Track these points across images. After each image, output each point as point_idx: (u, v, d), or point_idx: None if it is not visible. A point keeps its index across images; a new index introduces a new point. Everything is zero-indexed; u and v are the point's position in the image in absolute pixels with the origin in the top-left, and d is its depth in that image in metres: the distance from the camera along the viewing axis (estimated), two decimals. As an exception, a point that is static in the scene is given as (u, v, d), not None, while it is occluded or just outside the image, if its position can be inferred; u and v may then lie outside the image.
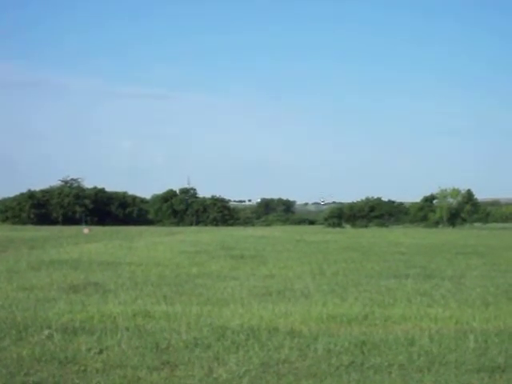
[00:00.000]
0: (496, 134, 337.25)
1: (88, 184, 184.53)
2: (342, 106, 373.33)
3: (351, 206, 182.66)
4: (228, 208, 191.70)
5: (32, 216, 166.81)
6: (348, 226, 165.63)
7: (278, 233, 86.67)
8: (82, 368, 11.48)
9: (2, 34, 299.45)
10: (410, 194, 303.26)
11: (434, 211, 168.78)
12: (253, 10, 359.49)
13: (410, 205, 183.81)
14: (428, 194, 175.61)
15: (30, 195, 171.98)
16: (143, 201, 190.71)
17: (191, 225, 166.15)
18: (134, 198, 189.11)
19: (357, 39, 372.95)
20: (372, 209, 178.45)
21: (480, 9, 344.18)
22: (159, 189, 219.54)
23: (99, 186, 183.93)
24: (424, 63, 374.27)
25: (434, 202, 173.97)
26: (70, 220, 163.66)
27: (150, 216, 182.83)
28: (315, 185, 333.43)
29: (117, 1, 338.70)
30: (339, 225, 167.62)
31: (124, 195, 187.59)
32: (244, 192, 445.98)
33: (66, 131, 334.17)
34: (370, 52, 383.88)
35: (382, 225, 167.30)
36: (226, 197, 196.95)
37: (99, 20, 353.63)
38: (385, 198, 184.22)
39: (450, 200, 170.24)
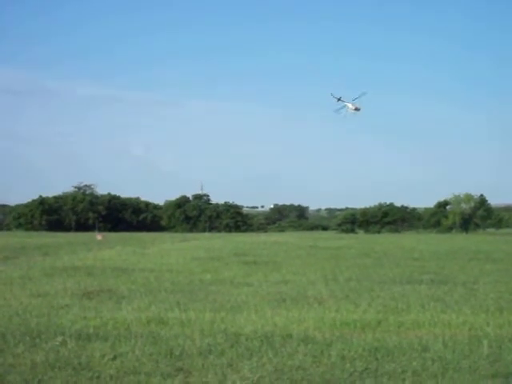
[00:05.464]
0: (510, 139, 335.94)
1: (101, 190, 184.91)
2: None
3: (364, 211, 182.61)
4: (241, 214, 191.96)
5: (43, 222, 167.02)
6: (361, 232, 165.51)
7: (291, 239, 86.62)
8: (96, 374, 11.52)
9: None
10: (423, 200, 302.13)
11: (446, 217, 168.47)
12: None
13: (423, 210, 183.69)
14: (441, 199, 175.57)
15: (41, 201, 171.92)
16: (156, 207, 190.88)
17: (204, 231, 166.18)
18: (147, 204, 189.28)
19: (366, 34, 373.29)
20: (385, 214, 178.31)
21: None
22: (172, 195, 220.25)
23: (112, 192, 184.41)
24: (437, 65, 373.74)
25: (447, 207, 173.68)
26: (82, 226, 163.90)
27: (163, 222, 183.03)
28: (328, 190, 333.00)
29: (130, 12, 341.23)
30: (352, 230, 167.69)
31: (137, 201, 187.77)
32: (257, 198, 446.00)
33: (79, 138, 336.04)
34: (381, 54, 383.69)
35: (395, 230, 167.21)
36: (239, 203, 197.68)
37: (113, 27, 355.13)
38: (398, 204, 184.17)
39: (463, 206, 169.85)
